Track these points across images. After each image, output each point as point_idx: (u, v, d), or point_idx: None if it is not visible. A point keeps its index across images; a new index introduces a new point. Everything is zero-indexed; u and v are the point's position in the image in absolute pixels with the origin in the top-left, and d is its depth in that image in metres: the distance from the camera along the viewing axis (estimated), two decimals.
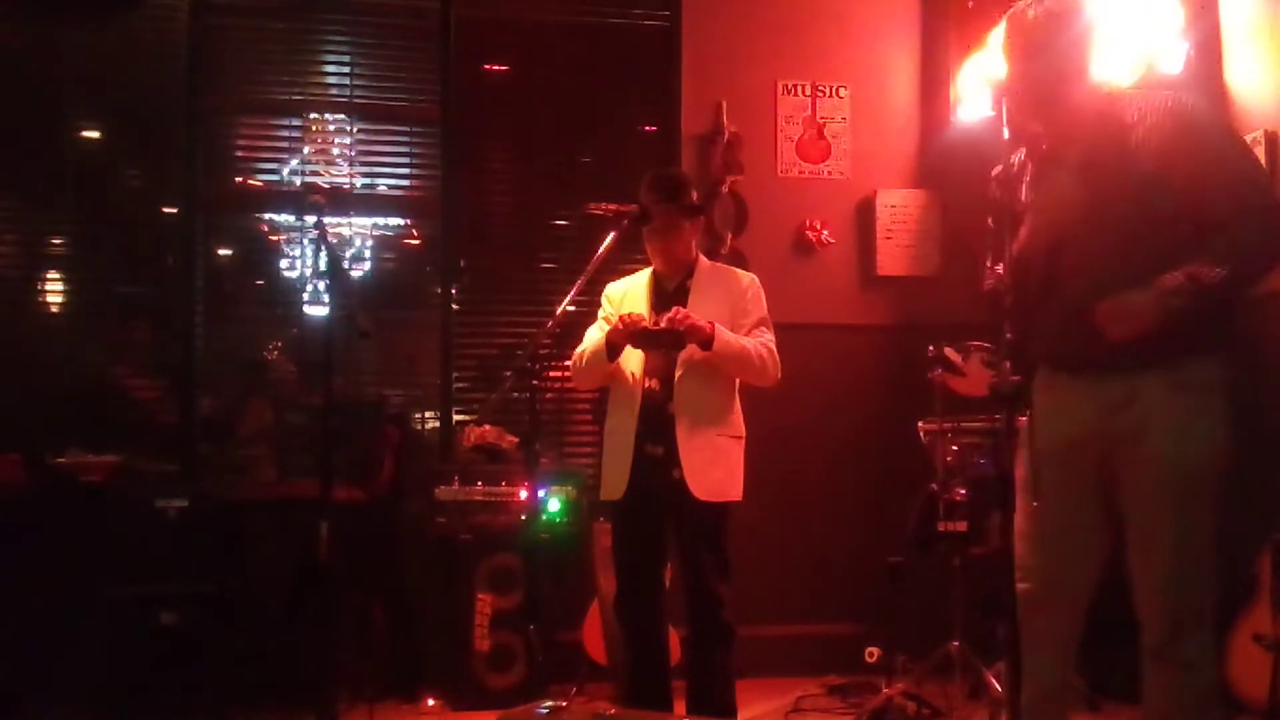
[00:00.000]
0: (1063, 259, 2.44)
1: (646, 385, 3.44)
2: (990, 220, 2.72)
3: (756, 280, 3.57)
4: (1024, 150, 2.66)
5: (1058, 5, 2.48)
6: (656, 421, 3.39)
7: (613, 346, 3.41)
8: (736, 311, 3.47)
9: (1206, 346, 2.44)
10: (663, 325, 3.32)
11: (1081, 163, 2.49)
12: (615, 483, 3.44)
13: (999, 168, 2.70)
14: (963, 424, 4.28)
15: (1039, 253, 2.49)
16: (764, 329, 3.49)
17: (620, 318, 3.40)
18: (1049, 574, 2.47)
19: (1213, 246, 2.33)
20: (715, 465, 3.37)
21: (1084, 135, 2.50)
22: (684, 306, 3.41)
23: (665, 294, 3.53)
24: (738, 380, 3.50)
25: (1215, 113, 2.54)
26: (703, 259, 3.61)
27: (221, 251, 5.27)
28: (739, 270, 3.67)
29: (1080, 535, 2.52)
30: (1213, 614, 2.43)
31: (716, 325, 3.33)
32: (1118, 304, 2.33)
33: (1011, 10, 2.56)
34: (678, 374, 3.39)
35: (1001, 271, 2.35)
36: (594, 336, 3.50)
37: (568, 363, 3.63)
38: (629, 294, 3.59)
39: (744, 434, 3.50)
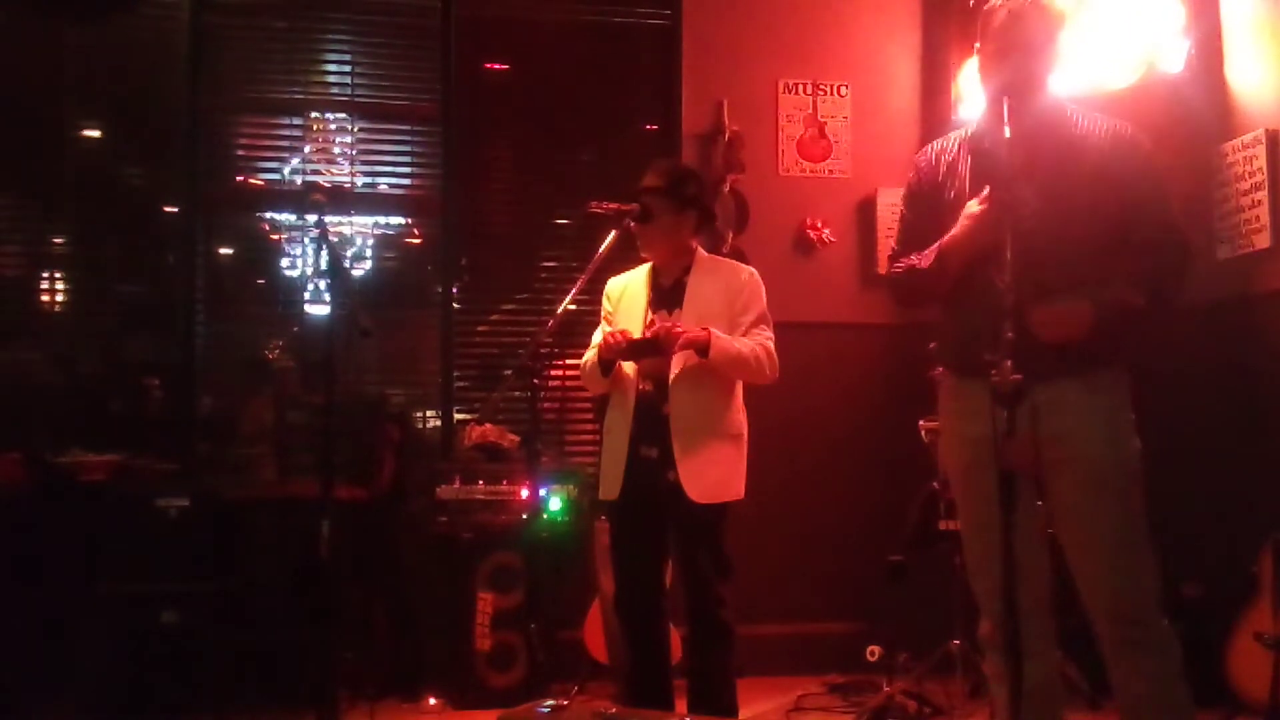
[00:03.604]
0: (994, 260, 2.36)
1: (641, 387, 3.40)
2: (904, 207, 2.78)
3: (755, 274, 3.51)
4: (959, 141, 2.68)
5: (1025, 7, 2.51)
6: (651, 423, 3.36)
7: (605, 363, 3.39)
8: (734, 308, 3.41)
9: (1114, 358, 2.54)
10: (648, 336, 3.31)
11: (1027, 167, 2.47)
12: (611, 483, 3.42)
13: (921, 153, 2.76)
14: None
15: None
16: (763, 326, 3.43)
17: (605, 338, 3.38)
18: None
19: (1136, 273, 2.46)
20: (711, 466, 3.33)
21: (1035, 140, 2.50)
22: (680, 302, 3.40)
23: (662, 290, 3.50)
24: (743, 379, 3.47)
25: (1154, 149, 2.62)
26: (701, 252, 3.54)
27: (222, 251, 5.28)
28: (738, 264, 3.61)
29: (1025, 546, 2.43)
30: (1162, 597, 2.50)
31: (712, 331, 3.28)
32: (1055, 310, 2.41)
33: (984, 9, 2.59)
34: (672, 375, 3.35)
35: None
36: (597, 342, 3.49)
37: (569, 361, 3.62)
38: (628, 290, 3.57)
39: (745, 432, 3.45)
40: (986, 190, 2.48)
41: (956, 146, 2.68)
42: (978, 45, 2.63)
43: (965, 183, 2.60)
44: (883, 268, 5.16)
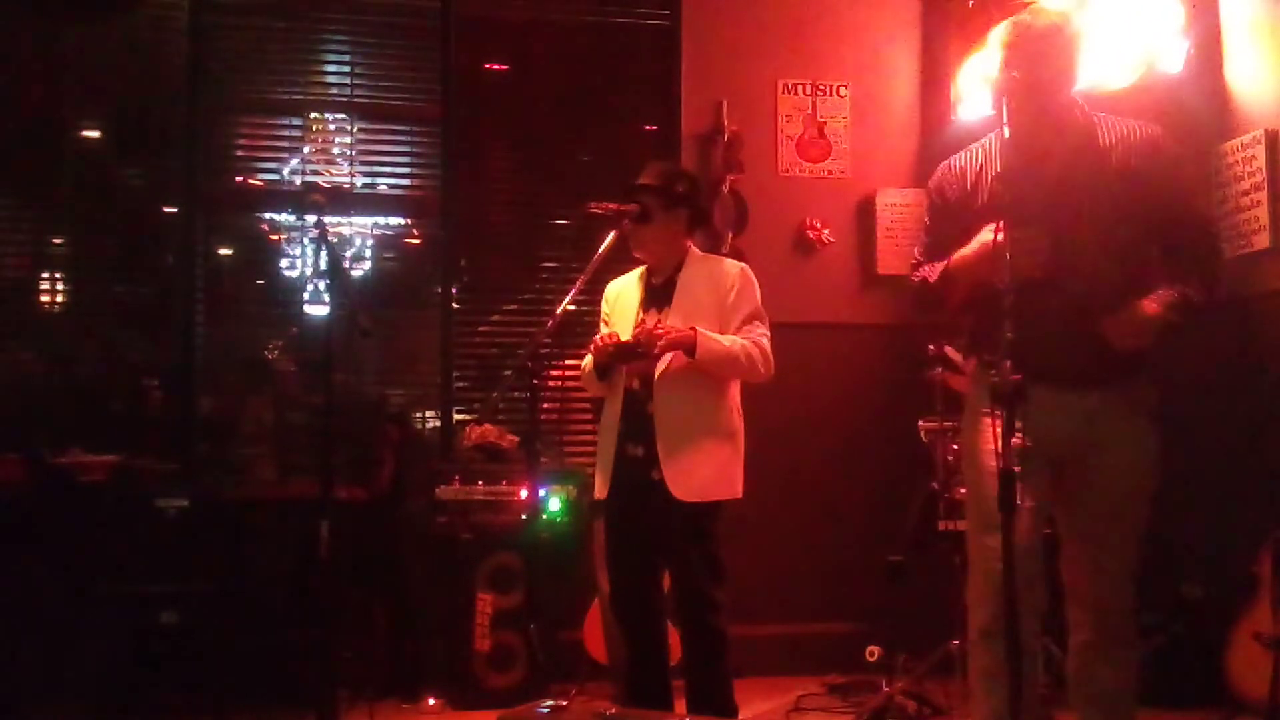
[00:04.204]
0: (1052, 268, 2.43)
1: (628, 385, 3.40)
2: (928, 218, 2.82)
3: (747, 270, 3.47)
4: (983, 150, 2.72)
5: (1043, 21, 2.57)
6: (637, 422, 3.35)
7: (601, 368, 3.40)
8: (724, 306, 3.39)
9: (1146, 366, 2.60)
10: (634, 340, 3.31)
11: (1058, 176, 2.53)
12: (601, 482, 3.43)
13: (944, 165, 2.78)
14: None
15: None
16: (757, 323, 3.40)
17: (595, 342, 3.38)
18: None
19: (1186, 273, 2.53)
20: (698, 465, 3.31)
21: (1063, 150, 2.56)
22: (670, 302, 3.40)
23: (654, 289, 3.49)
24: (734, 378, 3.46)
25: (1180, 148, 2.70)
26: (694, 250, 3.52)
27: (222, 251, 5.27)
28: (728, 260, 3.57)
29: (1038, 552, 2.57)
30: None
31: (699, 331, 3.27)
32: (1128, 315, 2.44)
33: (1002, 23, 2.64)
34: (657, 373, 3.34)
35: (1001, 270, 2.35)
36: None
37: (568, 362, 3.62)
38: (623, 292, 3.57)
39: (739, 429, 3.42)
40: (999, 225, 2.47)
41: (982, 156, 2.71)
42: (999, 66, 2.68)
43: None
44: (884, 270, 5.21)
